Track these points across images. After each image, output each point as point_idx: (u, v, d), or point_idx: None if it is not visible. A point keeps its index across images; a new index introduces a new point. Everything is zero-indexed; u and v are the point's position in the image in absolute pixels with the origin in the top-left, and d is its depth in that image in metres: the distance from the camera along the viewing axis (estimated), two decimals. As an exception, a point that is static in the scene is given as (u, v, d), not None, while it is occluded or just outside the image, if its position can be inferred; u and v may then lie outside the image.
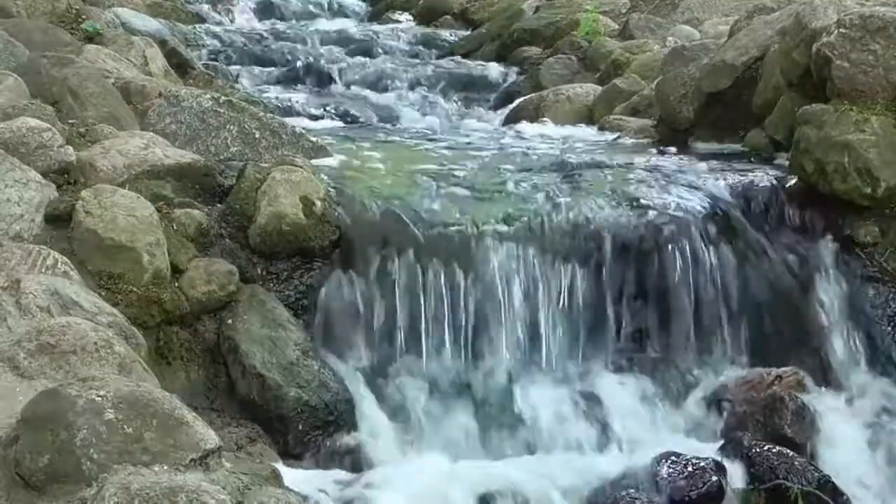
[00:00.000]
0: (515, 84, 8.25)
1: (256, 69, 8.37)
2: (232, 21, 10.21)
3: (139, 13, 7.90)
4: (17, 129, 4.32)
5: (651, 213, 4.70)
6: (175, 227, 4.29)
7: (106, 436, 2.73)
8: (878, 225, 4.71)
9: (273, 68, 8.44)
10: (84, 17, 6.81)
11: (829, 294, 4.63)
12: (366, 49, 9.06)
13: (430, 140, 6.12)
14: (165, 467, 2.73)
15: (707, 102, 5.80)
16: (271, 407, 4.03)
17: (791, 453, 4.07)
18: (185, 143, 5.08)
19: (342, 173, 5.00)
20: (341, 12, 11.16)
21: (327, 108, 7.58)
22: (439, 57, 9.15)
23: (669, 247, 4.61)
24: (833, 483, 4.01)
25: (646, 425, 4.36)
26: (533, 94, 7.45)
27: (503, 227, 4.56)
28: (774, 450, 4.07)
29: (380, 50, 9.11)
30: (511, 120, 7.20)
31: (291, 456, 3.98)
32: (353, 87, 8.22)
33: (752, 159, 5.37)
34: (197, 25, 9.28)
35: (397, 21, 10.79)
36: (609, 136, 6.14)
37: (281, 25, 9.88)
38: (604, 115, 6.59)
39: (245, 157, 5.06)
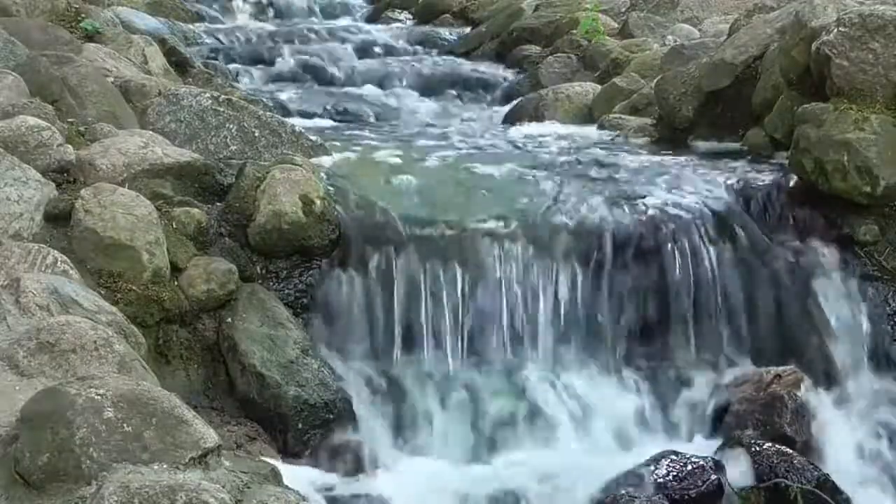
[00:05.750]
0: (515, 83, 8.25)
1: (256, 68, 8.37)
2: (231, 20, 10.21)
3: (139, 12, 7.91)
4: (17, 128, 4.32)
5: (650, 212, 4.70)
6: (174, 226, 4.29)
7: (105, 434, 2.73)
8: (878, 223, 4.71)
9: (272, 67, 8.44)
10: (83, 15, 6.80)
11: (828, 292, 4.62)
12: (365, 48, 9.06)
13: (429, 139, 6.12)
14: (165, 466, 2.73)
15: (706, 101, 5.80)
16: (271, 405, 4.03)
17: (790, 452, 4.08)
18: (185, 142, 5.08)
19: (342, 172, 5.00)
20: (341, 11, 11.16)
21: (327, 107, 7.58)
22: (439, 56, 9.14)
23: (669, 245, 4.61)
24: (832, 481, 4.01)
25: (645, 424, 4.36)
26: (532, 93, 7.44)
27: (502, 226, 4.56)
28: (774, 448, 4.07)
29: (379, 49, 9.11)
30: (510, 119, 7.19)
31: (291, 454, 3.99)
32: (352, 86, 8.22)
33: (752, 158, 5.37)
34: (196, 24, 9.28)
35: (397, 20, 10.79)
36: (609, 135, 6.13)
37: (280, 24, 9.87)
38: (603, 113, 6.59)
39: (244, 155, 5.06)
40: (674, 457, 4.02)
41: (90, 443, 2.71)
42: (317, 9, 11.00)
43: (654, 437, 4.32)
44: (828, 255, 4.70)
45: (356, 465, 4.03)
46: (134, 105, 5.36)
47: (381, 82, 8.27)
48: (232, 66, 8.22)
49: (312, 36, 9.18)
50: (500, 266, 4.46)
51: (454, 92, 8.25)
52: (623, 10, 9.09)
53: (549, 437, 4.25)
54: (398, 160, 5.35)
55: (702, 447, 4.20)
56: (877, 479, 4.27)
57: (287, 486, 3.20)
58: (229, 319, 4.18)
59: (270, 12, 10.65)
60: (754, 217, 4.80)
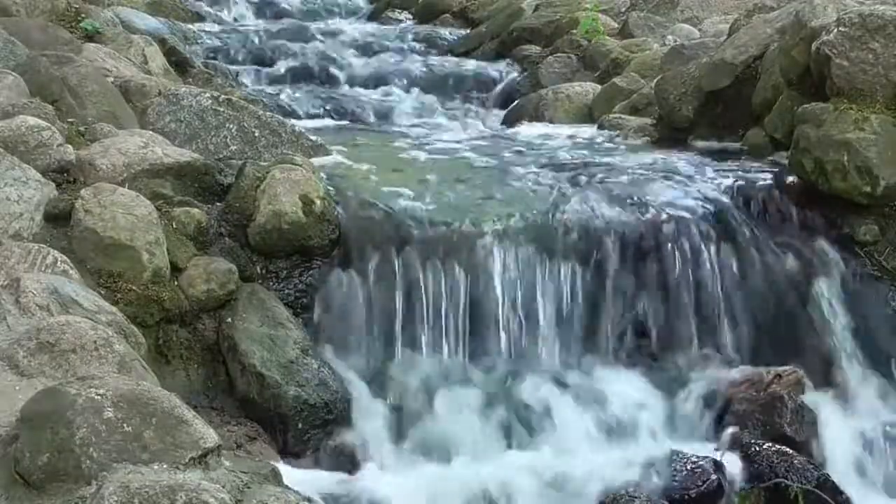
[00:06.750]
0: (515, 83, 8.24)
1: (256, 68, 8.36)
2: (231, 19, 10.21)
3: (139, 11, 7.90)
4: (17, 128, 4.32)
5: (650, 212, 4.70)
6: (174, 226, 4.29)
7: (105, 434, 2.73)
8: (878, 223, 4.72)
9: (272, 67, 8.43)
10: (83, 15, 6.80)
11: (828, 292, 4.62)
12: (365, 48, 9.05)
13: (430, 139, 6.12)
14: (165, 466, 2.72)
15: (706, 101, 5.81)
16: (271, 405, 4.03)
17: (790, 452, 4.08)
18: (185, 142, 5.09)
19: (342, 172, 5.00)
20: (341, 11, 11.16)
21: (327, 107, 7.58)
22: (439, 55, 9.14)
23: (669, 245, 4.61)
24: (832, 481, 4.01)
25: (645, 424, 4.35)
26: (532, 93, 7.45)
27: (502, 226, 4.56)
28: (774, 448, 4.07)
29: (379, 48, 9.10)
30: (510, 119, 7.20)
31: (291, 454, 3.98)
32: (352, 86, 8.22)
33: (752, 158, 5.37)
34: (196, 24, 9.27)
35: (397, 20, 10.78)
36: (608, 135, 6.13)
37: (280, 24, 9.87)
38: (603, 113, 6.59)
39: (244, 155, 5.06)
40: (674, 456, 4.02)
41: (90, 443, 2.71)
42: (317, 8, 10.99)
43: (654, 437, 4.32)
44: (828, 255, 4.70)
45: (356, 465, 4.03)
46: (134, 105, 5.36)
47: (381, 82, 8.27)
48: (232, 66, 8.21)
49: (312, 36, 9.17)
50: (500, 266, 4.46)
51: (454, 92, 8.24)
52: (623, 10, 9.08)
53: (549, 437, 4.24)
54: (398, 160, 5.36)
55: (702, 447, 4.20)
56: (877, 478, 4.27)
57: (287, 486, 3.19)
58: (229, 319, 4.18)
59: (270, 12, 10.64)
60: (754, 217, 4.80)
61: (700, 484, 3.91)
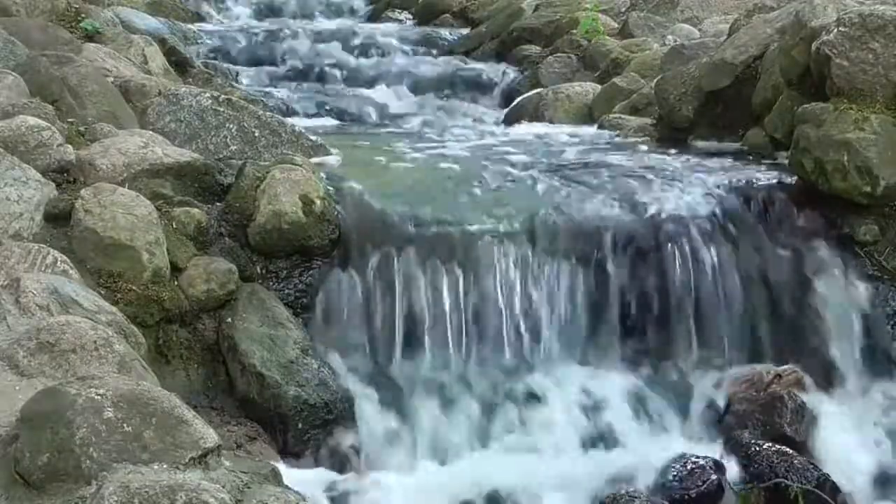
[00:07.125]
0: (515, 83, 8.25)
1: (256, 68, 8.37)
2: (231, 20, 10.22)
3: (138, 11, 7.91)
4: (17, 128, 4.32)
5: (650, 212, 4.70)
6: (174, 226, 4.29)
7: (105, 434, 2.73)
8: (878, 223, 4.71)
9: (272, 67, 8.44)
10: (83, 15, 6.81)
11: (828, 292, 4.62)
12: (365, 48, 9.06)
13: (429, 139, 6.12)
14: (165, 466, 2.73)
15: (706, 101, 5.81)
16: (271, 405, 4.03)
17: (790, 452, 4.08)
18: (185, 142, 5.09)
19: (341, 172, 5.00)
20: (341, 11, 11.17)
21: (327, 107, 7.59)
22: (439, 56, 9.15)
23: (669, 246, 4.61)
24: (832, 481, 4.02)
25: (646, 424, 4.36)
26: (532, 93, 7.45)
27: (502, 226, 4.56)
28: (774, 448, 4.08)
29: (379, 49, 9.11)
30: (510, 119, 7.20)
31: (291, 454, 3.99)
32: (352, 86, 8.23)
33: (752, 158, 5.37)
34: (196, 24, 9.28)
35: (397, 20, 10.79)
36: (608, 135, 6.14)
37: (280, 24, 9.88)
38: (603, 113, 6.60)
39: (244, 155, 5.06)
40: (674, 457, 4.02)
41: (90, 443, 2.71)
42: (317, 9, 11.00)
43: (654, 437, 4.32)
44: (828, 255, 4.69)
45: (356, 466, 4.03)
46: (134, 105, 5.36)
47: (381, 82, 8.28)
48: (232, 67, 8.22)
49: (312, 36, 9.17)
50: (500, 266, 4.46)
51: (454, 92, 8.25)
52: (623, 10, 9.09)
53: (549, 438, 4.24)
54: (398, 160, 5.36)
55: (702, 447, 4.20)
56: (876, 478, 4.27)
57: (287, 486, 3.20)
58: (229, 319, 4.18)
59: (271, 12, 10.65)
60: (754, 217, 4.80)
61: (700, 484, 3.91)
